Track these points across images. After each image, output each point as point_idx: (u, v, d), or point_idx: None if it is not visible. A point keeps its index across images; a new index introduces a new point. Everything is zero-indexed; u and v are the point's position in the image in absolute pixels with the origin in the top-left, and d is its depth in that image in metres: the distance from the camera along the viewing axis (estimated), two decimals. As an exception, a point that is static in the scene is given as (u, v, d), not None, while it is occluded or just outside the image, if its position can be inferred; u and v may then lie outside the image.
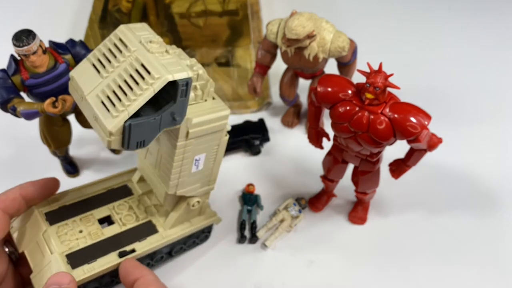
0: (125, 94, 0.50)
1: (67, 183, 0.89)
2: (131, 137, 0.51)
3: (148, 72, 0.50)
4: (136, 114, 0.51)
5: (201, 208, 0.73)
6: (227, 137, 0.64)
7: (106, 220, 0.72)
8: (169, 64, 0.51)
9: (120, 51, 0.54)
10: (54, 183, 0.70)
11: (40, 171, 0.91)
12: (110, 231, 0.70)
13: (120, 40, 0.54)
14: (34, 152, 0.92)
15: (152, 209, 0.73)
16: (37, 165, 0.92)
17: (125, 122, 0.50)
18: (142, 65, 0.51)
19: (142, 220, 0.72)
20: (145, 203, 0.74)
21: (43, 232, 0.67)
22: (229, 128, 0.64)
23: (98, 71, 0.54)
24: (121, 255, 0.67)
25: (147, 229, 0.71)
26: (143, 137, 0.52)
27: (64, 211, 0.71)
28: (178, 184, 0.65)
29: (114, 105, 0.50)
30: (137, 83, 0.50)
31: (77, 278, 0.63)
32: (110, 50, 0.55)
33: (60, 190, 0.72)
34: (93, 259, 0.66)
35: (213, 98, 0.61)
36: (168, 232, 0.71)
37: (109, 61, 0.54)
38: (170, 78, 0.50)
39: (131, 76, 0.51)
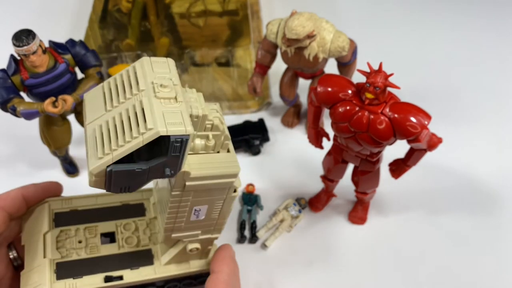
0: (117, 136, 0.47)
1: (67, 183, 0.89)
2: (112, 182, 0.48)
3: (145, 120, 0.46)
4: (130, 156, 0.47)
5: (204, 251, 0.68)
6: (236, 194, 0.58)
7: (110, 236, 0.70)
8: (171, 114, 0.47)
9: (131, 87, 0.50)
10: (56, 186, 0.70)
11: (40, 171, 0.91)
12: (107, 249, 0.68)
13: (136, 74, 0.51)
14: (34, 152, 0.92)
15: (157, 237, 0.69)
16: (37, 165, 0.92)
17: (108, 166, 0.46)
18: (142, 110, 0.47)
19: (142, 246, 0.69)
20: (153, 228, 0.70)
21: (45, 232, 0.66)
22: (238, 185, 0.58)
23: (105, 102, 0.51)
24: (107, 280, 0.64)
25: (143, 258, 0.68)
26: (128, 184, 0.49)
27: (73, 215, 0.70)
28: (174, 229, 0.61)
29: (103, 145, 0.47)
30: (131, 128, 0.47)
31: None
32: (123, 83, 0.51)
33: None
34: (79, 275, 0.64)
35: (228, 151, 0.56)
36: (162, 268, 0.67)
37: (118, 94, 0.51)
38: (163, 132, 0.45)
39: (129, 118, 0.47)
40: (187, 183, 0.53)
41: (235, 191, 0.58)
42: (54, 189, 0.69)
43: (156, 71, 0.51)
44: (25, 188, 0.66)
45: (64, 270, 0.64)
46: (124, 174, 0.47)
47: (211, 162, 0.54)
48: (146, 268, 0.67)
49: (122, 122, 0.48)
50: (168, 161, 0.48)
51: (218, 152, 0.56)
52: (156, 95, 0.48)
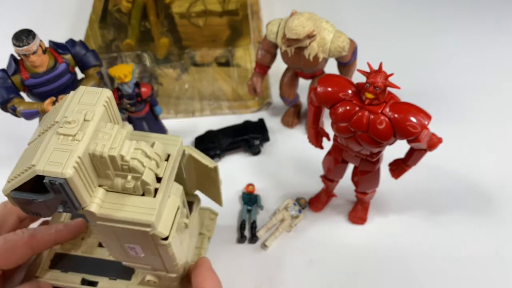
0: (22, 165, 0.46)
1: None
2: (19, 205, 0.47)
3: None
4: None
5: (171, 286, 0.66)
6: (165, 242, 0.52)
7: None
8: (60, 153, 0.44)
9: (54, 116, 0.49)
10: (83, 225, 0.71)
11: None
12: (98, 252, 0.69)
13: (64, 104, 0.49)
14: (34, 152, 0.92)
15: None
16: (37, 165, 0.91)
17: (11, 191, 0.46)
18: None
19: None
20: None
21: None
22: (163, 235, 0.51)
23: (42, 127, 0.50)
24: (83, 282, 0.66)
25: (124, 271, 0.67)
26: (35, 210, 0.47)
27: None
28: (118, 256, 0.59)
29: (16, 169, 0.47)
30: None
31: (43, 278, 0.66)
32: (57, 109, 0.50)
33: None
34: (65, 270, 0.67)
35: (154, 196, 0.51)
36: (135, 286, 0.67)
37: (50, 121, 0.49)
38: (39, 171, 0.43)
39: (35, 149, 0.46)
40: (97, 222, 0.50)
41: (166, 238, 0.52)
42: (81, 228, 0.70)
43: (82, 102, 0.49)
44: (58, 231, 0.67)
45: (58, 261, 0.68)
46: (24, 201, 0.46)
47: (126, 205, 0.49)
48: (121, 282, 0.67)
49: (32, 151, 0.47)
50: (57, 199, 0.45)
51: (143, 194, 0.50)
52: (58, 131, 0.46)
